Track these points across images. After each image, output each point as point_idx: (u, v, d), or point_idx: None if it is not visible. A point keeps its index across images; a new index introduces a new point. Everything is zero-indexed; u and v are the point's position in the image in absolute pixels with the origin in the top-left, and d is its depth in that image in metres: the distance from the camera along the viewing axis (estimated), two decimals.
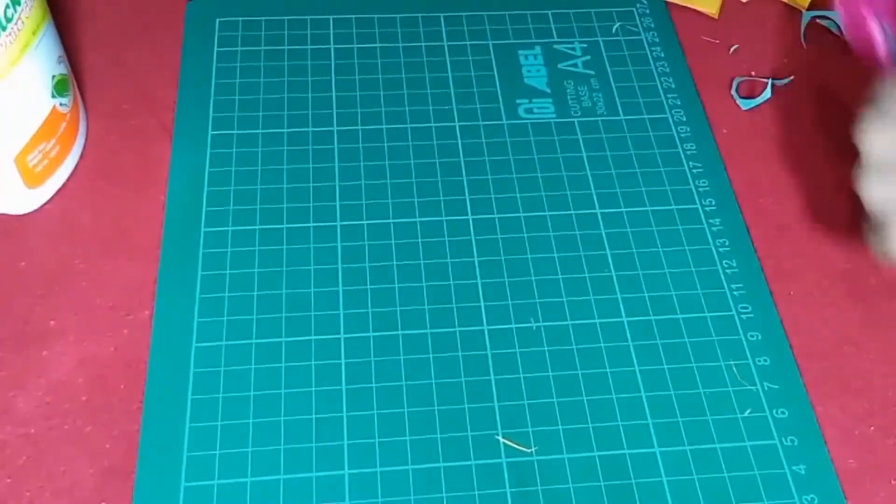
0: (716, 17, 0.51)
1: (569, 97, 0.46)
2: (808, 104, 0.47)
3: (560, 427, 0.36)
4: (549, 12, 0.50)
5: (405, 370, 0.37)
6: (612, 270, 0.40)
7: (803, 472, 0.35)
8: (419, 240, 0.41)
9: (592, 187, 0.43)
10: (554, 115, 0.46)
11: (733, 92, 0.47)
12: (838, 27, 0.49)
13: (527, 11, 0.50)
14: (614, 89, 0.47)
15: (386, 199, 0.42)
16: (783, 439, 0.36)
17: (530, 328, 0.38)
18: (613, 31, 0.48)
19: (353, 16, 0.49)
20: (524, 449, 0.35)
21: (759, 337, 0.39)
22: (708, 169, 0.44)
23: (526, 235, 0.41)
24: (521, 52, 0.48)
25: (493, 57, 0.48)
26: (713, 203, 0.43)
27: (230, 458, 0.35)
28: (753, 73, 0.48)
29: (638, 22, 0.50)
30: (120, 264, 0.39)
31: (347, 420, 0.36)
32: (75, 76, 0.44)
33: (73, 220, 0.41)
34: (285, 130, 0.44)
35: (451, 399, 0.36)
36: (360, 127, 0.45)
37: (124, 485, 0.34)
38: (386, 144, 0.44)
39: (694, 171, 0.44)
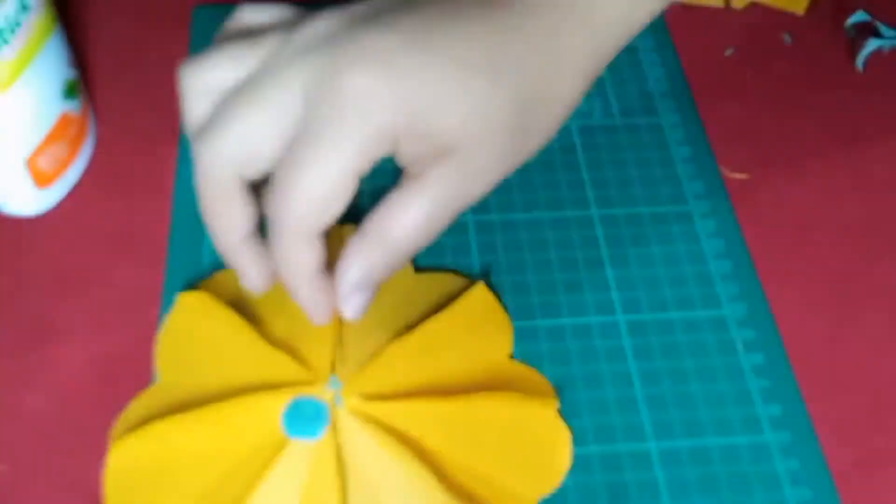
0: (801, 13, 0.51)
1: None
2: (802, 108, 0.47)
3: None
4: None
5: None
6: (608, 270, 0.41)
7: (796, 468, 0.35)
8: None
9: (588, 189, 0.43)
10: None
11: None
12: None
13: None
14: (610, 94, 0.47)
15: None
16: (776, 436, 0.36)
17: (530, 327, 0.39)
18: None
19: None
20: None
21: (753, 336, 0.39)
22: (702, 171, 0.44)
23: (525, 236, 0.42)
24: None
25: None
26: (707, 205, 0.43)
27: None
28: (748, 75, 0.49)
29: None
30: (127, 265, 0.40)
31: None
32: (84, 80, 0.44)
33: (82, 222, 0.41)
34: None
35: None
36: None
37: None
38: None
39: (689, 173, 0.44)
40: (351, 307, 0.31)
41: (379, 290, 0.32)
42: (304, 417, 0.33)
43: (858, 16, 0.49)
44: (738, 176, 0.44)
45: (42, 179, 0.41)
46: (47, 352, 0.37)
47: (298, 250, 0.30)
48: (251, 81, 0.30)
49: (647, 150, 0.45)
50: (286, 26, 0.31)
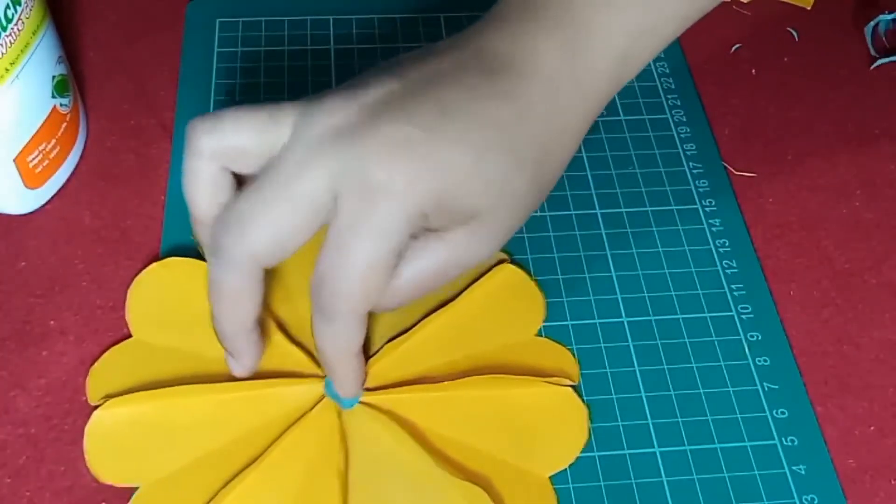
0: (808, 8, 0.50)
1: None
2: (809, 106, 0.47)
3: None
4: None
5: None
6: (612, 270, 0.40)
7: (803, 471, 0.35)
8: None
9: (592, 187, 0.43)
10: None
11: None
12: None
13: None
14: None
15: None
16: (783, 439, 0.36)
17: None
18: None
19: (353, 16, 0.49)
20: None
21: (759, 337, 0.39)
22: (708, 169, 0.44)
23: (526, 236, 0.41)
24: None
25: None
26: (713, 203, 0.43)
27: None
28: (754, 72, 0.48)
29: None
30: (120, 264, 0.39)
31: None
32: (75, 76, 0.44)
33: (74, 221, 0.41)
34: None
35: None
36: None
37: None
38: None
39: (694, 171, 0.44)
40: None
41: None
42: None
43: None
44: (744, 174, 0.44)
45: (31, 178, 0.40)
46: (38, 352, 0.37)
47: (351, 331, 0.32)
48: (275, 172, 0.31)
49: (652, 148, 0.45)
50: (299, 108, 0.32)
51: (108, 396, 0.35)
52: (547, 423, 0.35)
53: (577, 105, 0.33)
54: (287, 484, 0.33)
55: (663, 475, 0.35)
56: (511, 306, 0.38)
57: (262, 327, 0.34)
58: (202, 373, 0.36)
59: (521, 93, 0.32)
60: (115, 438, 0.34)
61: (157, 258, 0.40)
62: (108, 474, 0.33)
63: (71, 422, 0.35)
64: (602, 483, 0.35)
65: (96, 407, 0.35)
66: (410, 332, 0.37)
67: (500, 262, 0.40)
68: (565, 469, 0.35)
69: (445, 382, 0.35)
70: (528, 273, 0.40)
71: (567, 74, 0.33)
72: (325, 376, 0.36)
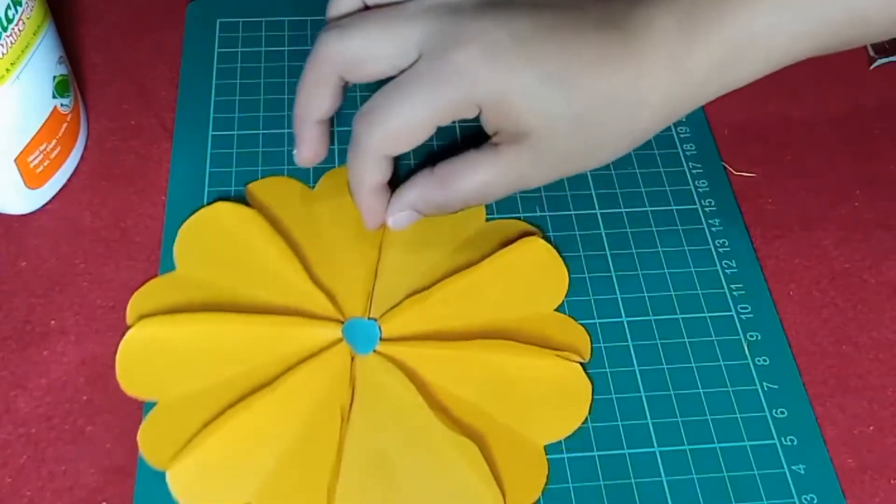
0: None
1: None
2: (809, 106, 0.47)
3: None
4: None
5: None
6: (612, 271, 0.40)
7: (802, 471, 0.35)
8: None
9: (592, 188, 0.43)
10: None
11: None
12: None
13: None
14: None
15: None
16: (783, 439, 0.36)
17: None
18: None
19: None
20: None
21: (759, 337, 0.39)
22: (707, 169, 0.44)
23: None
24: None
25: None
26: (713, 203, 0.43)
27: None
28: None
29: None
30: (120, 264, 0.40)
31: None
32: (76, 77, 0.44)
33: (74, 221, 0.41)
34: (285, 131, 0.44)
35: None
36: None
37: (125, 484, 0.34)
38: None
39: (693, 171, 0.44)
40: (394, 220, 0.38)
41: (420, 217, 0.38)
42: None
43: None
44: (743, 174, 0.44)
45: (32, 178, 0.40)
46: (39, 352, 0.37)
47: (368, 168, 0.37)
48: (388, 9, 0.36)
49: (652, 148, 0.45)
50: None
51: (142, 317, 0.36)
52: (550, 394, 0.36)
53: (668, 86, 0.35)
54: (291, 415, 0.35)
55: (663, 475, 0.35)
56: (534, 279, 0.39)
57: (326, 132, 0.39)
58: (233, 304, 0.37)
59: (618, 50, 0.34)
60: (143, 356, 0.36)
61: (157, 258, 0.40)
62: (133, 388, 0.35)
63: (71, 422, 0.35)
64: (602, 483, 0.35)
65: (95, 407, 0.35)
66: (432, 288, 0.38)
67: (530, 234, 0.40)
68: (565, 469, 0.35)
69: (459, 342, 0.36)
70: (557, 250, 0.40)
71: (667, 56, 0.34)
72: (344, 321, 0.37)
